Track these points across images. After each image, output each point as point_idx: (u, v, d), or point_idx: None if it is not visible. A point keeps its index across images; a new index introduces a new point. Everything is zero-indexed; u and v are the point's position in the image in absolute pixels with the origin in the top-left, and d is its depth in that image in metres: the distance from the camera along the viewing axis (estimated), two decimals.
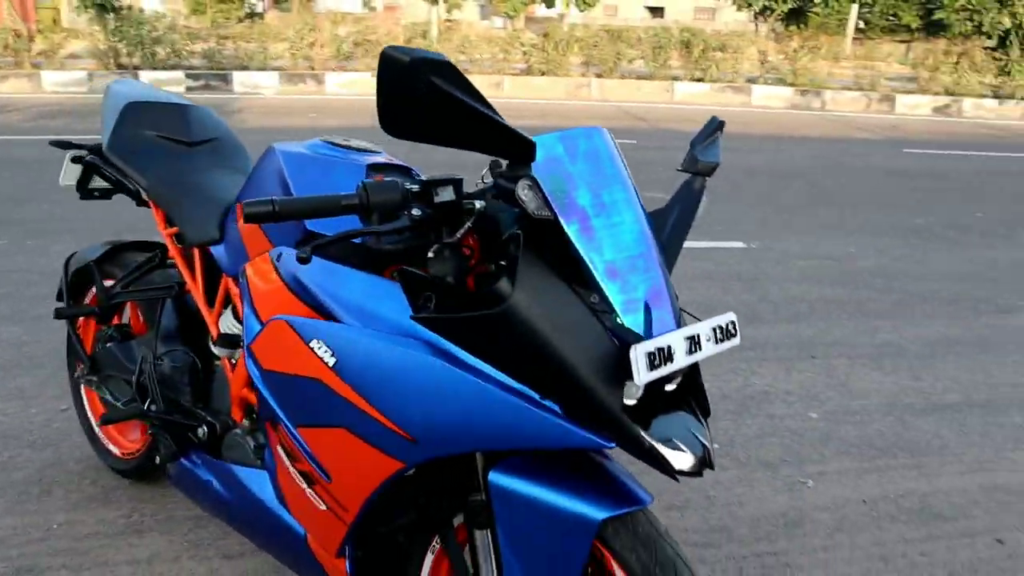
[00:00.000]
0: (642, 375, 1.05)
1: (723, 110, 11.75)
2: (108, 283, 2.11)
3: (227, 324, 1.79)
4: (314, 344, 1.32)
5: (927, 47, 14.37)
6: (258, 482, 1.62)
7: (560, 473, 1.22)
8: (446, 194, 1.23)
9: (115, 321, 2.22)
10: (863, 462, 2.64)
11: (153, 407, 1.89)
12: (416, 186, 1.22)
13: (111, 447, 2.28)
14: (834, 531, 2.27)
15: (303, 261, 1.18)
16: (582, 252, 1.13)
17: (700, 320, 1.17)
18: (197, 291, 1.87)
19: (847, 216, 6.00)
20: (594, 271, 1.13)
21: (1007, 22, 13.28)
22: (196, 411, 1.83)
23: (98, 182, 2.19)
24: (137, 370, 1.94)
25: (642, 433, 1.10)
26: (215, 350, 1.79)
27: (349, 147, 1.57)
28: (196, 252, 1.86)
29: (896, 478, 2.57)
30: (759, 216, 5.84)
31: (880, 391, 3.17)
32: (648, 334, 1.13)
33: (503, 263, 1.20)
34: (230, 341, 1.78)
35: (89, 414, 2.33)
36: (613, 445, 1.12)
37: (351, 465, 1.33)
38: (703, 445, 1.12)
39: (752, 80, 13.44)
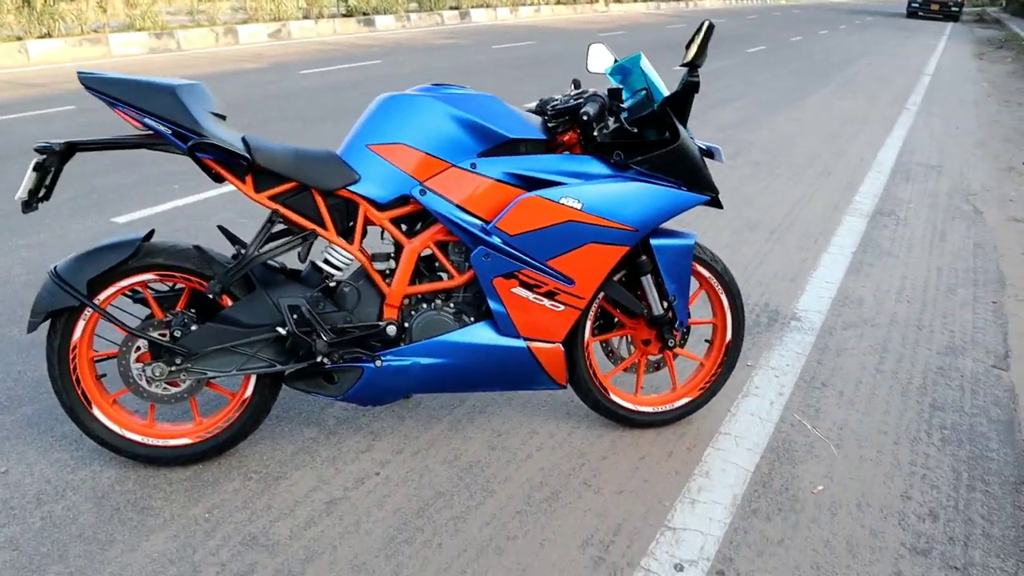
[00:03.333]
0: (723, 160, 2.33)
1: (87, 63, 11.34)
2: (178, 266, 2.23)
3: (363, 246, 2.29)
4: (563, 200, 2.18)
5: None
6: (474, 333, 2.31)
7: (672, 232, 2.40)
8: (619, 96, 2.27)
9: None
10: None
11: (324, 338, 2.24)
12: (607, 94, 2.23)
13: (174, 441, 2.36)
14: None
15: (620, 163, 2.24)
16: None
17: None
18: (330, 231, 2.24)
19: (340, 134, 7.22)
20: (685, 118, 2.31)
21: None
22: (363, 323, 2.28)
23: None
24: (290, 319, 2.21)
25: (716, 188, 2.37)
26: (377, 266, 2.28)
27: (448, 85, 2.29)
28: (319, 199, 2.21)
29: None
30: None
31: None
32: (712, 146, 2.38)
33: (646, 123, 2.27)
34: (384, 256, 2.31)
35: (116, 429, 2.32)
36: (711, 197, 2.35)
37: (592, 264, 2.27)
38: None
39: (97, 29, 13.00)
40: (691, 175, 2.31)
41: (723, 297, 2.59)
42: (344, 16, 17.54)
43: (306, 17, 16.53)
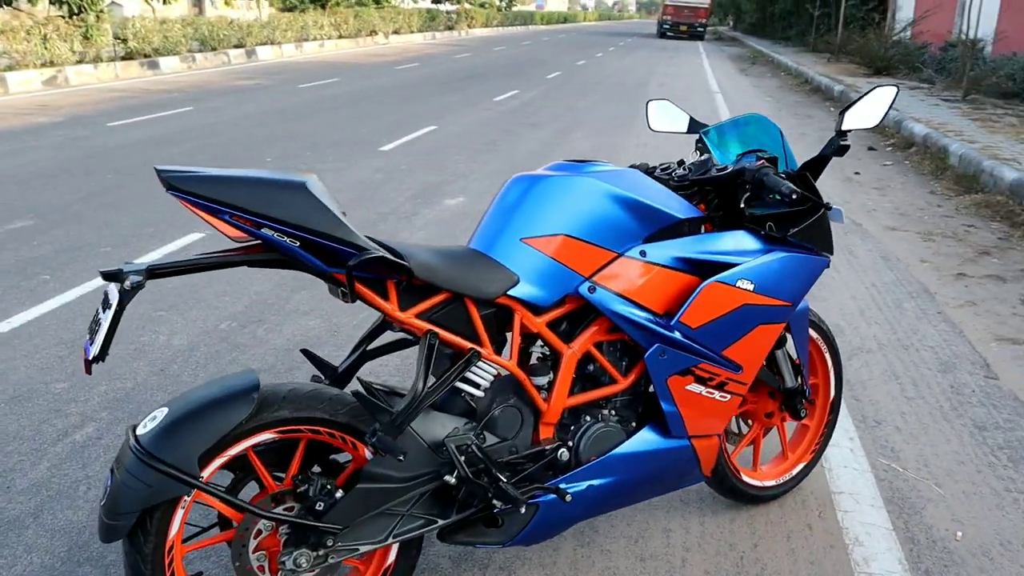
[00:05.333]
0: (843, 221, 2.26)
1: None
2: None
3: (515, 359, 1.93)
4: (739, 283, 2.00)
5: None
6: (644, 440, 2.05)
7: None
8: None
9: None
10: None
11: (503, 478, 1.85)
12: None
13: None
14: None
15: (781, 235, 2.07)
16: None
17: None
18: (488, 347, 1.85)
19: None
20: None
21: None
22: (531, 451, 1.94)
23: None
24: (461, 464, 1.79)
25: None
26: (535, 380, 1.95)
27: (585, 161, 2.05)
28: (474, 310, 1.82)
29: None
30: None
31: None
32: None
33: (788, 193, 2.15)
34: (544, 368, 1.99)
35: None
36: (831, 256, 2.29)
37: (758, 347, 2.11)
38: None
39: None
40: (824, 239, 2.22)
41: (827, 355, 2.54)
42: (124, 59, 15.96)
43: (82, 61, 14.85)
